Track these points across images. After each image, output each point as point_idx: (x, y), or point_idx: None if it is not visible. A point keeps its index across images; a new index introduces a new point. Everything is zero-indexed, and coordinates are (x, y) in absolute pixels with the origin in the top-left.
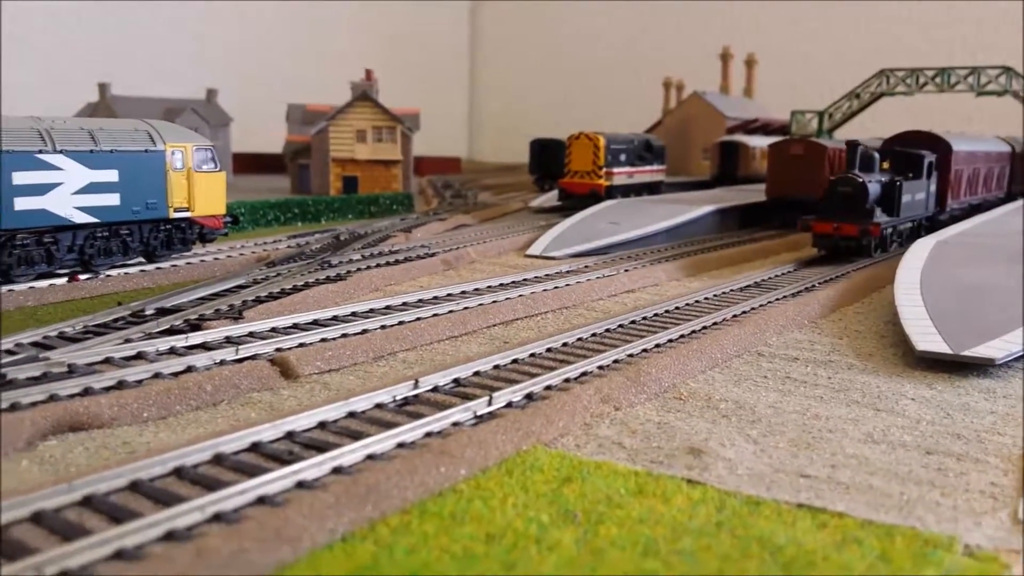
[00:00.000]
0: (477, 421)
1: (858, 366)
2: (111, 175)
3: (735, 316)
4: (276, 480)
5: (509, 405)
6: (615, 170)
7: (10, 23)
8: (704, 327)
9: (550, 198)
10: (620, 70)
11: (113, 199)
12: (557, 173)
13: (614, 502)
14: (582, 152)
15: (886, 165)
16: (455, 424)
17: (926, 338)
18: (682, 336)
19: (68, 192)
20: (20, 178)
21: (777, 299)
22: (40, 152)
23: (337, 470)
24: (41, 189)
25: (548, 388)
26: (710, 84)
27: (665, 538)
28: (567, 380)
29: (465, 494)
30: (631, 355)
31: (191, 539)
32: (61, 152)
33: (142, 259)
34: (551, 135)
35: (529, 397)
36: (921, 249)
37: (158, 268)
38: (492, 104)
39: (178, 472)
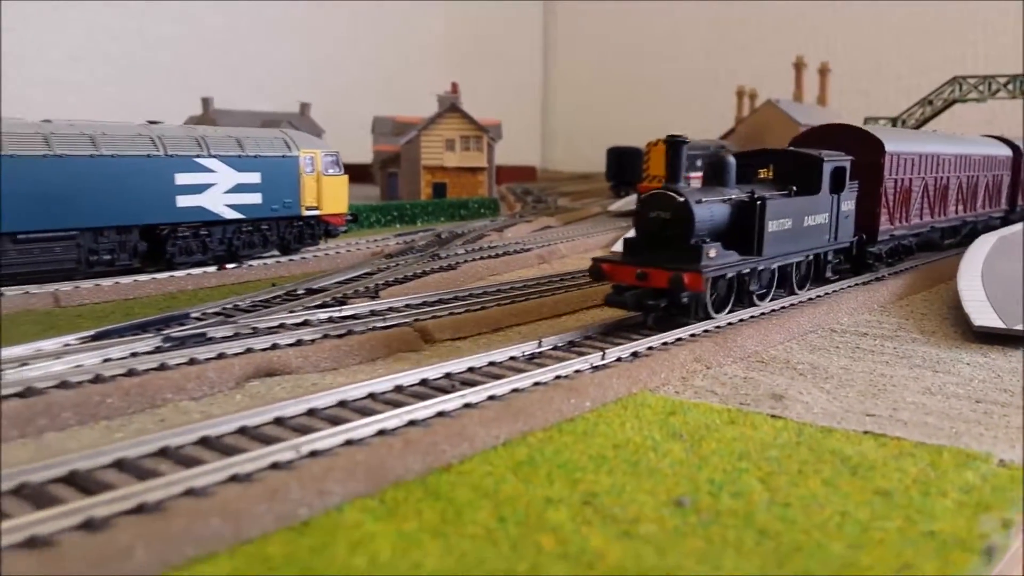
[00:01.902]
0: (594, 370)
1: (921, 340)
2: (255, 177)
3: (810, 299)
4: (450, 401)
5: (619, 360)
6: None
7: (116, 43)
8: (783, 307)
9: (628, 202)
10: (690, 79)
11: (256, 198)
12: (633, 179)
13: (711, 428)
14: (660, 158)
15: (765, 174)
16: (577, 371)
17: (983, 315)
18: (763, 313)
19: (220, 191)
20: (181, 179)
21: (848, 287)
22: (197, 156)
23: (491, 397)
24: (198, 189)
25: (650, 348)
26: (783, 93)
27: (755, 450)
28: (665, 343)
29: (591, 420)
30: (718, 327)
31: (397, 435)
32: (214, 156)
33: (277, 251)
34: (624, 143)
35: (635, 355)
36: (984, 243)
37: (291, 259)
38: (564, 114)
39: (372, 396)
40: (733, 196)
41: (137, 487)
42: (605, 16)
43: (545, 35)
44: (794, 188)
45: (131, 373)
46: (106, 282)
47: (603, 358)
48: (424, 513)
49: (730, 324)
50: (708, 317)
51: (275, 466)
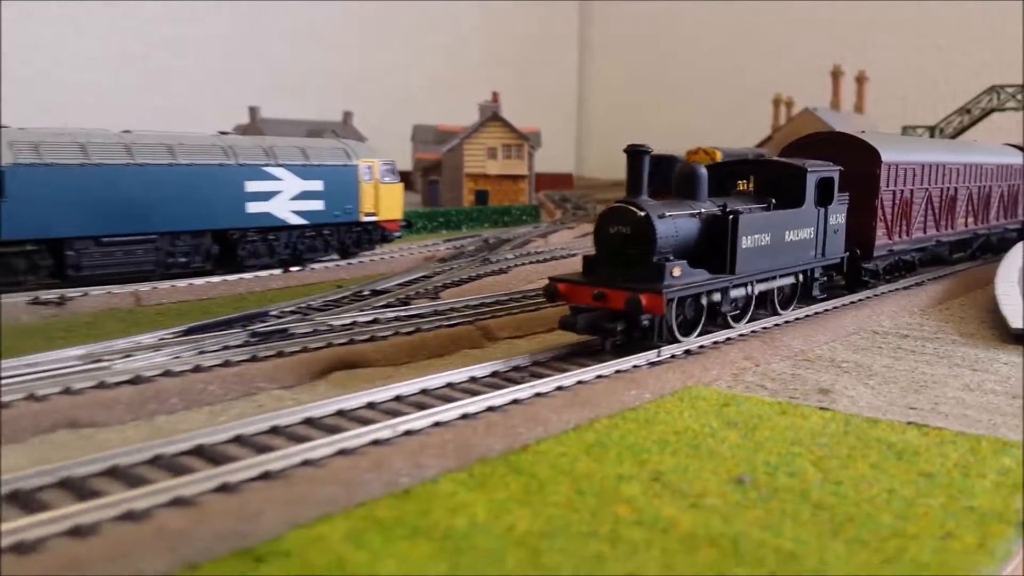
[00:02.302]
0: (651, 366)
1: (960, 341)
2: (318, 185)
3: (852, 302)
4: (523, 391)
5: (673, 357)
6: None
7: (166, 51)
8: (826, 309)
9: None
10: (726, 87)
11: (319, 205)
12: (669, 188)
13: (764, 418)
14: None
15: (744, 186)
16: (635, 366)
17: (1020, 319)
18: (807, 316)
19: (286, 198)
20: (251, 186)
21: (889, 291)
22: (266, 165)
23: (559, 388)
24: (266, 196)
25: (701, 348)
26: (819, 101)
27: (806, 437)
28: (716, 343)
29: (651, 409)
30: (765, 327)
31: (479, 419)
32: (281, 165)
33: (336, 255)
34: (660, 151)
35: (688, 352)
36: (1020, 251)
37: (349, 263)
38: (599, 122)
39: (449, 385)
40: (703, 210)
41: (259, 458)
42: (640, 23)
43: (580, 43)
44: (773, 201)
45: (227, 364)
46: (181, 283)
47: (659, 354)
48: (510, 485)
49: (776, 325)
50: (674, 341)
51: (375, 442)
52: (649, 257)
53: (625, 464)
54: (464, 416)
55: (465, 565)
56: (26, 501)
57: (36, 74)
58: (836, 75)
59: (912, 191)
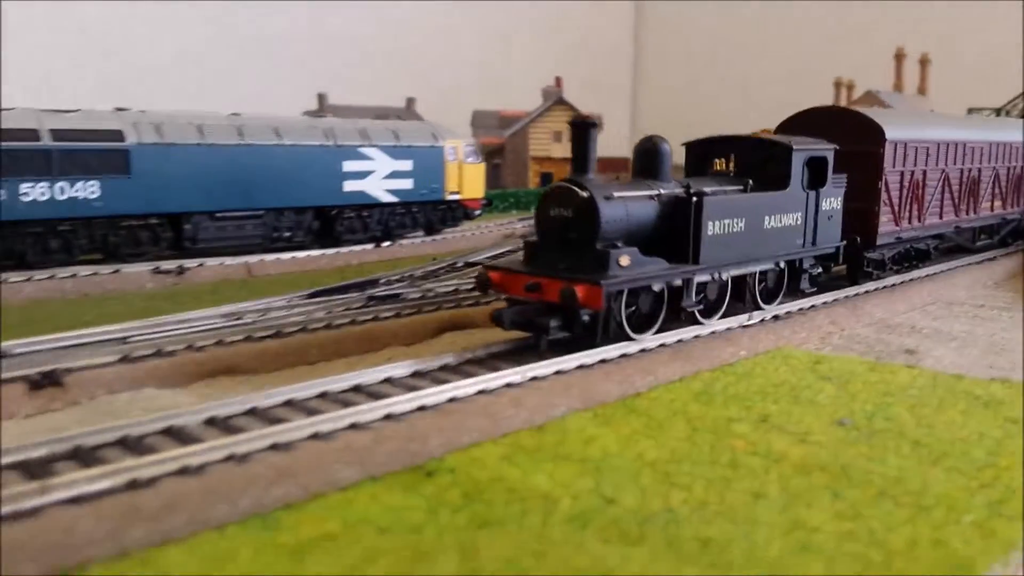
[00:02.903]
0: (744, 328)
1: None
2: (408, 165)
3: (928, 275)
4: (631, 346)
5: (763, 321)
6: None
7: (233, 38)
8: (902, 281)
9: None
10: (786, 69)
11: (408, 184)
12: None
13: (855, 374)
14: None
15: (721, 165)
16: (728, 329)
17: None
18: (886, 287)
19: (379, 177)
20: (348, 166)
21: (962, 265)
22: (361, 146)
23: (662, 345)
24: (361, 175)
25: (788, 313)
26: (882, 84)
27: (897, 390)
28: (801, 309)
29: (748, 366)
30: (847, 296)
31: (595, 368)
32: (375, 146)
33: (423, 232)
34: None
35: (776, 317)
36: None
37: (434, 239)
38: (654, 106)
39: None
40: (663, 191)
41: (413, 394)
42: (697, 6)
43: (635, 27)
44: (750, 182)
45: (353, 323)
46: (285, 256)
47: (749, 318)
48: (632, 423)
49: (857, 294)
50: (627, 339)
51: (509, 385)
52: (592, 243)
53: (732, 409)
54: (581, 366)
55: (607, 482)
56: (225, 426)
57: (120, 66)
58: (899, 57)
59: (925, 172)
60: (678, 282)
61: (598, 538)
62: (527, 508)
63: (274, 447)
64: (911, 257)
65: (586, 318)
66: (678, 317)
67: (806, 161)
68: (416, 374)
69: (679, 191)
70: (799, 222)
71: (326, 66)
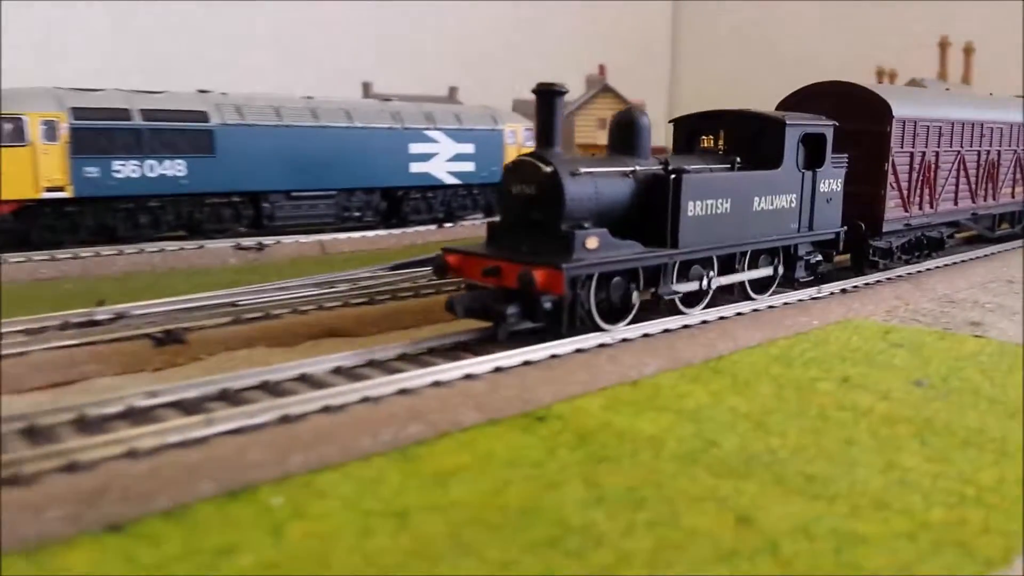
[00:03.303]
0: (814, 300)
1: None
2: (470, 148)
3: (986, 255)
4: (710, 313)
5: (831, 294)
6: None
7: (279, 26)
8: (963, 260)
9: None
10: (827, 59)
11: (470, 166)
12: None
13: (925, 343)
14: None
15: (708, 142)
16: (800, 300)
17: None
18: (946, 264)
19: (443, 160)
20: (414, 148)
21: (1018, 247)
22: (426, 129)
23: (739, 314)
24: (426, 157)
25: (855, 287)
26: (926, 73)
27: (967, 356)
28: (867, 284)
29: (821, 334)
30: (910, 273)
31: (680, 333)
32: (439, 129)
33: (481, 214)
34: None
35: (843, 291)
36: None
37: (491, 221)
38: (692, 93)
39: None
40: (638, 168)
41: (518, 350)
42: (739, 16)
43: (674, 11)
44: (738, 160)
45: (439, 291)
46: (356, 235)
47: (819, 290)
48: (719, 382)
49: (920, 271)
50: (597, 329)
51: (602, 345)
52: (557, 224)
53: (812, 370)
54: (666, 330)
55: (706, 429)
56: (351, 375)
57: (179, 52)
58: (943, 46)
59: (938, 154)
60: (653, 267)
61: (708, 473)
62: (637, 448)
63: (402, 392)
64: (923, 246)
65: (548, 305)
66: (656, 307)
67: (801, 138)
68: (516, 334)
69: (657, 168)
70: (794, 205)
71: (368, 54)
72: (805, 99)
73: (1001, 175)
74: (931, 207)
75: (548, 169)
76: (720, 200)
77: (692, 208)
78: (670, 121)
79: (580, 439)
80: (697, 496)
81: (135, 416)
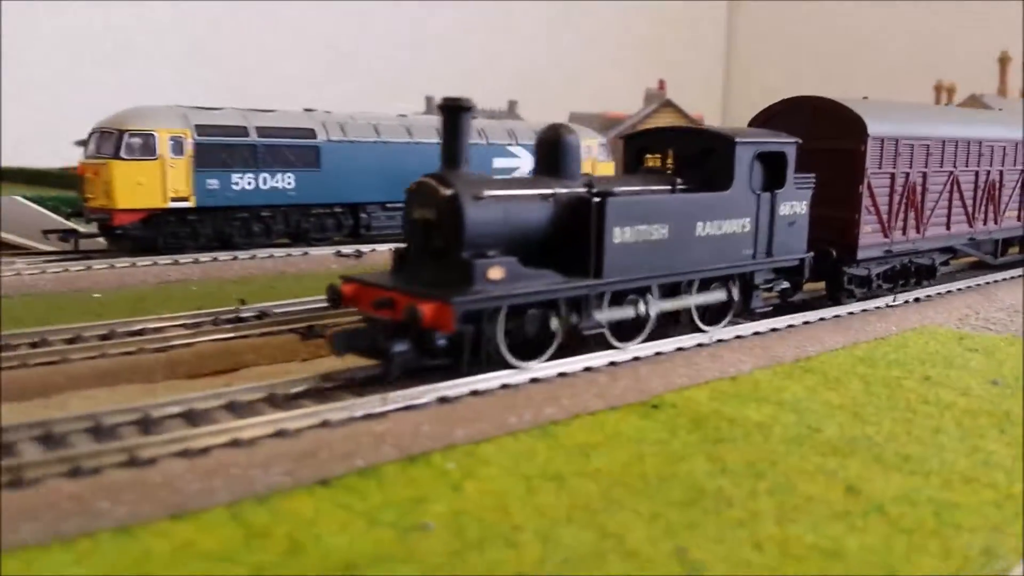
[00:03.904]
0: (890, 308)
1: None
2: None
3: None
4: (797, 318)
5: (906, 302)
6: None
7: (349, 45)
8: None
9: None
10: (883, 74)
11: None
12: None
13: (998, 347)
14: None
15: (654, 161)
16: (876, 308)
17: None
18: (1012, 277)
19: (523, 173)
20: (497, 163)
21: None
22: (508, 144)
23: (821, 319)
24: (508, 171)
25: (928, 296)
26: (985, 88)
27: None
28: (939, 293)
29: (899, 339)
30: (978, 284)
31: (770, 335)
32: (520, 145)
33: None
34: None
35: (916, 299)
36: None
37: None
38: (748, 106)
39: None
40: (559, 191)
41: (630, 344)
42: (791, 10)
43: (729, 26)
44: (679, 180)
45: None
46: None
47: (894, 299)
48: (810, 379)
49: (988, 283)
50: (507, 366)
51: (700, 345)
52: (457, 252)
53: (895, 370)
54: (756, 333)
55: (807, 418)
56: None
57: (239, 68)
58: (1003, 61)
59: (925, 175)
60: (570, 299)
61: (814, 452)
62: (747, 432)
63: (534, 380)
64: (909, 274)
65: (442, 342)
66: (584, 342)
67: (756, 156)
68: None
69: (579, 190)
70: (747, 229)
71: (428, 68)
72: (777, 115)
73: (1004, 197)
74: (917, 232)
75: (447, 192)
76: (655, 225)
77: (619, 234)
78: (619, 137)
79: (694, 423)
80: (808, 471)
81: (317, 395)
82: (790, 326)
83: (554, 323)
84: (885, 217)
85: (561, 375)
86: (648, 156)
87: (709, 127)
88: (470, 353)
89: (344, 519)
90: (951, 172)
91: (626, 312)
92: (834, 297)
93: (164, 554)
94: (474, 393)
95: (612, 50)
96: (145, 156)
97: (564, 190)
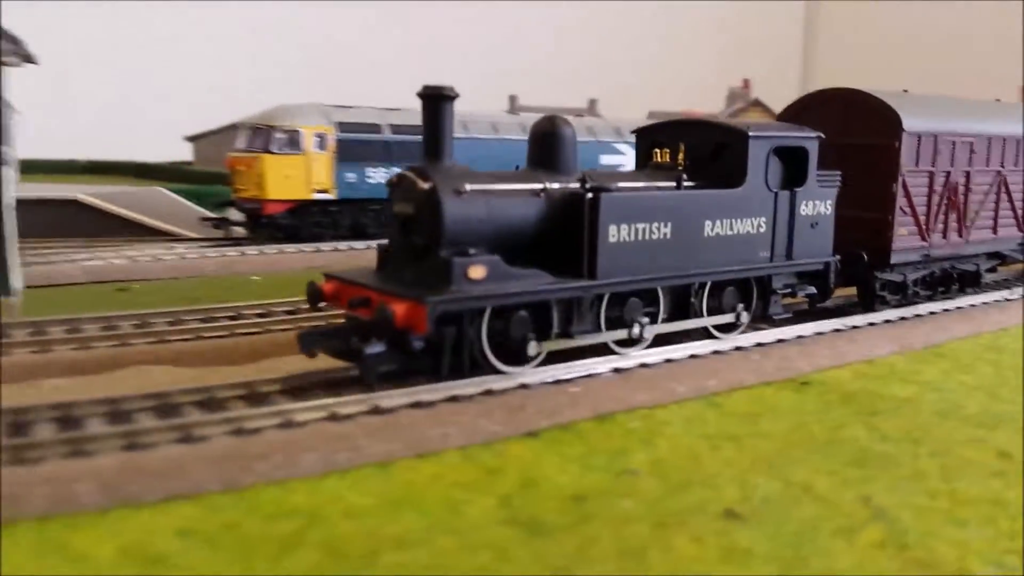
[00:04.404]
0: (1008, 301)
1: None
2: None
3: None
4: (919, 310)
5: (1007, 300)
6: None
7: (438, 47)
8: None
9: None
10: (966, 73)
11: None
12: None
13: None
14: None
15: (662, 156)
16: (996, 301)
17: None
18: None
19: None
20: (604, 159)
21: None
22: (615, 142)
23: (945, 309)
24: (614, 168)
25: (996, 300)
26: None
27: None
28: (1008, 299)
29: (990, 339)
30: None
31: (899, 324)
32: (625, 142)
33: None
34: None
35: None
36: None
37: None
38: None
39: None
40: (551, 186)
41: (773, 331)
42: (871, 19)
43: (807, 23)
44: (684, 176)
45: None
46: None
47: (1012, 293)
48: (942, 364)
49: None
50: (494, 371)
51: (836, 330)
52: (436, 249)
53: (1020, 358)
54: (887, 321)
55: (948, 396)
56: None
57: (329, 72)
58: None
59: (968, 174)
60: (561, 301)
61: (962, 424)
62: (897, 406)
63: (692, 356)
64: (952, 280)
65: (418, 344)
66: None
67: (773, 151)
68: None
69: (574, 186)
70: (763, 229)
71: (510, 66)
72: (808, 108)
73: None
74: (959, 236)
75: (426, 185)
76: (657, 224)
77: (615, 232)
78: (632, 132)
79: (844, 399)
80: (959, 439)
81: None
82: (917, 315)
83: (532, 345)
84: (923, 219)
85: (715, 352)
86: (655, 151)
87: (722, 120)
88: (452, 356)
89: (560, 463)
90: (998, 172)
91: (619, 334)
92: (867, 304)
93: (421, 483)
94: (643, 365)
95: (691, 49)
96: (292, 151)
97: (557, 185)
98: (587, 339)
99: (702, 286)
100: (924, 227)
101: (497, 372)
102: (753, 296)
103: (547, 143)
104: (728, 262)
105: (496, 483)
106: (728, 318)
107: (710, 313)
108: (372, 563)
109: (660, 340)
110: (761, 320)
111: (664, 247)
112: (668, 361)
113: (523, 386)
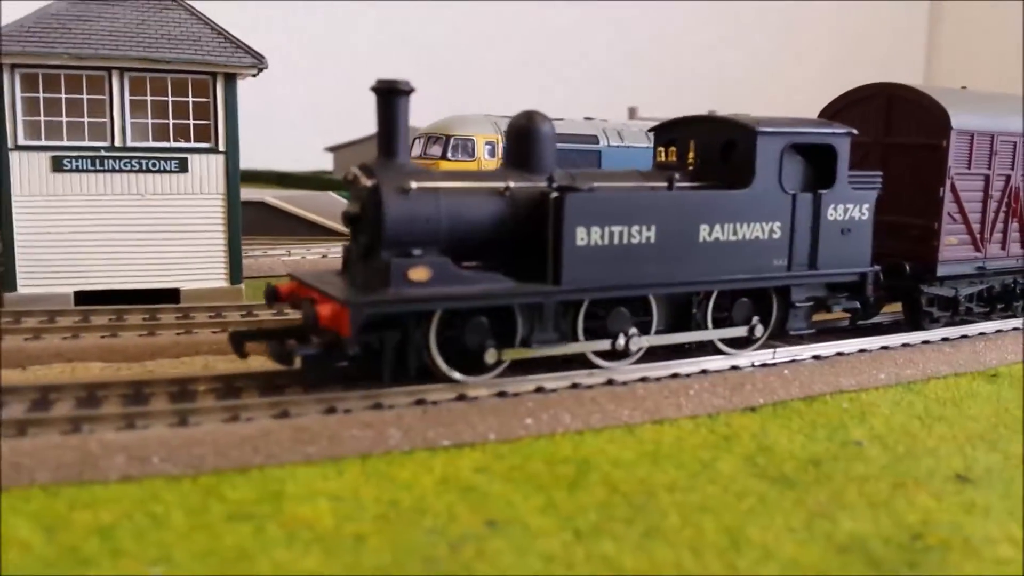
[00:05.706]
0: None
1: None
2: None
3: None
4: (1005, 324)
5: None
6: None
7: (557, 58)
8: None
9: None
10: None
11: None
12: None
13: None
14: None
15: (664, 156)
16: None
17: None
18: None
19: None
20: None
21: None
22: None
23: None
24: None
25: None
26: None
27: None
28: None
29: None
30: None
31: (979, 339)
32: None
33: None
34: None
35: None
36: None
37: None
38: None
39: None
40: (515, 185)
41: (919, 334)
42: (996, 23)
43: (930, 29)
44: (676, 176)
45: None
46: None
47: None
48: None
49: None
50: (447, 380)
51: (862, 351)
52: (379, 249)
53: None
54: (904, 344)
55: None
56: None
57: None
58: None
59: (1009, 178)
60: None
61: None
62: None
63: (884, 348)
64: (1013, 296)
65: (354, 350)
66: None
67: (789, 149)
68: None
69: (540, 184)
70: (777, 236)
71: (626, 78)
72: (851, 105)
73: None
74: (1021, 247)
75: (369, 183)
76: (637, 227)
77: (582, 235)
78: (649, 130)
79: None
80: None
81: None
82: (999, 331)
83: (490, 355)
84: (976, 227)
85: (904, 345)
86: (661, 149)
87: (730, 116)
88: (394, 362)
89: (786, 434)
90: None
91: (598, 345)
92: (914, 321)
93: (668, 443)
94: (839, 354)
95: (806, 52)
96: (466, 158)
97: (522, 184)
98: (552, 349)
99: (706, 296)
100: (978, 236)
101: (451, 380)
102: (773, 309)
103: (522, 140)
104: (733, 270)
105: (734, 447)
106: (739, 331)
107: (717, 326)
108: (652, 501)
109: (670, 353)
110: (779, 336)
111: (648, 252)
112: (862, 351)
113: (735, 368)
